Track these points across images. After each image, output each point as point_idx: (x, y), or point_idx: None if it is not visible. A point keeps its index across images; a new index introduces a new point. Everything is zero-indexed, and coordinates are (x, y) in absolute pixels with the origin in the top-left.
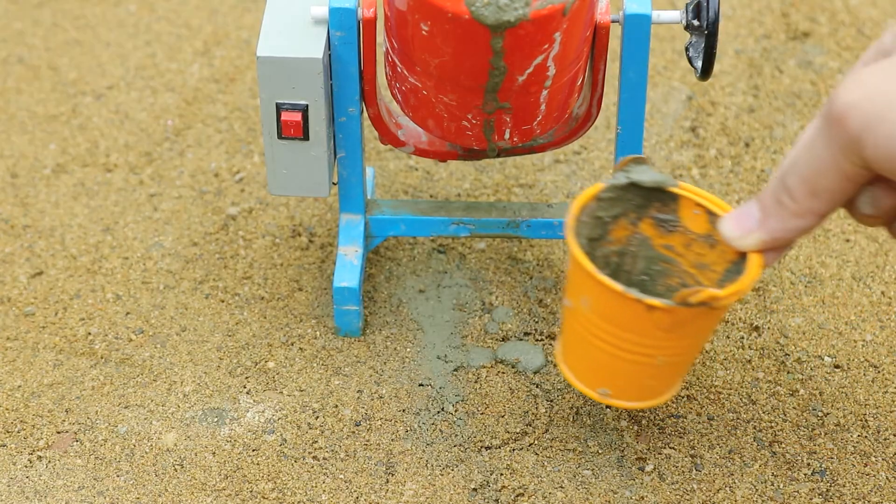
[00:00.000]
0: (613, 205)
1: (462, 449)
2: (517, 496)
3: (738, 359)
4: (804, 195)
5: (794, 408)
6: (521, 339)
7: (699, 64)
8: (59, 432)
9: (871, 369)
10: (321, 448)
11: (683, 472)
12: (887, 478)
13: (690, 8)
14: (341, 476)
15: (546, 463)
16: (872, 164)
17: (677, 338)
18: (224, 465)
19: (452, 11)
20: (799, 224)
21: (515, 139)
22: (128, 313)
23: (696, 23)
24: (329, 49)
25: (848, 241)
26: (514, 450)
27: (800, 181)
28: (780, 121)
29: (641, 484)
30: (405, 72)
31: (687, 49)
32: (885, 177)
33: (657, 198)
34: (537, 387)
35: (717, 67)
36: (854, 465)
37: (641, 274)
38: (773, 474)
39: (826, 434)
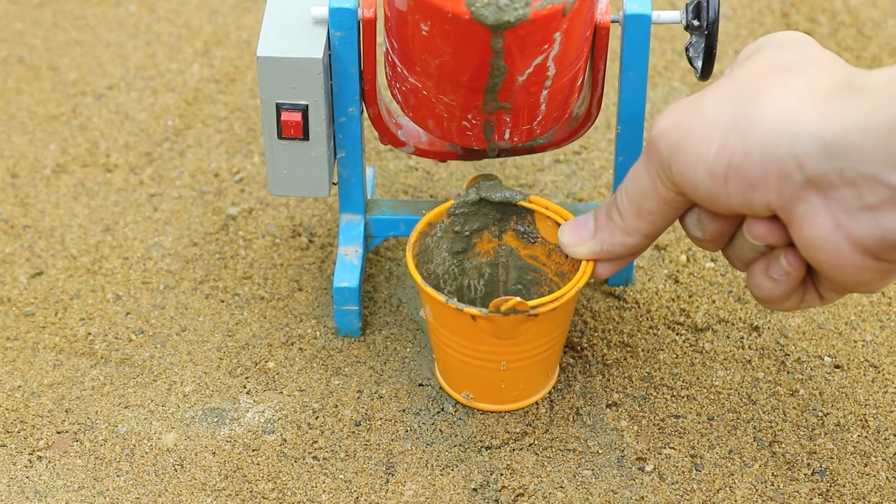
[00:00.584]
0: (469, 219)
1: (462, 449)
2: (517, 496)
3: (738, 359)
4: (630, 215)
5: (794, 408)
6: None
7: (699, 64)
8: (59, 432)
9: (871, 369)
10: (321, 448)
11: (683, 472)
12: (887, 478)
13: (690, 8)
14: (341, 476)
15: (546, 463)
16: (680, 189)
17: (511, 344)
18: (224, 465)
19: (452, 12)
20: (627, 241)
21: (515, 139)
22: (128, 313)
23: (696, 23)
24: (329, 49)
25: None
26: (514, 450)
27: (627, 200)
28: None
29: (641, 484)
30: (405, 72)
31: (687, 49)
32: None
33: (513, 211)
34: None
35: (717, 67)
36: (854, 465)
37: (516, 283)
38: (773, 474)
39: (826, 434)
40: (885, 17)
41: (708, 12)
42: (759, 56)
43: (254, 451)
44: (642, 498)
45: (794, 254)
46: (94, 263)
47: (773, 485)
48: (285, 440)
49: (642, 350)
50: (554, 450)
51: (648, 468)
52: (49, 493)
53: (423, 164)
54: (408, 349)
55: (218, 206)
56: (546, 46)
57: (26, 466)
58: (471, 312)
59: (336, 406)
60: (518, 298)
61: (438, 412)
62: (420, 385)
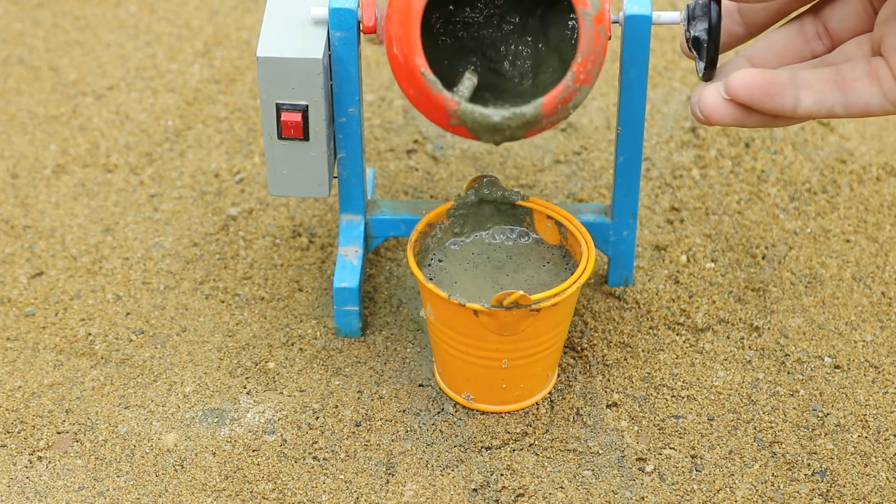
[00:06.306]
0: (469, 221)
1: (462, 449)
2: (517, 496)
3: (738, 359)
4: None
5: (794, 408)
6: None
7: (701, 66)
8: (59, 433)
9: (871, 369)
10: (321, 448)
11: (683, 472)
12: (887, 478)
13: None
14: (341, 476)
15: (546, 463)
16: None
17: (512, 340)
18: (224, 466)
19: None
20: None
21: None
22: (128, 314)
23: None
24: (329, 49)
25: (848, 241)
26: (514, 450)
27: None
28: None
29: (641, 484)
30: None
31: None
32: None
33: (511, 213)
34: None
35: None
36: (854, 466)
37: None
38: (773, 474)
39: (826, 434)
40: None
41: (710, 15)
42: None
43: (254, 451)
44: (642, 498)
45: None
46: (94, 264)
47: (773, 485)
48: (285, 440)
49: (642, 350)
50: (554, 450)
51: (648, 468)
52: (49, 494)
53: (422, 165)
54: (408, 349)
55: (218, 207)
56: None
57: (26, 467)
58: (473, 308)
59: (336, 406)
60: (521, 292)
61: (439, 412)
62: (420, 385)
